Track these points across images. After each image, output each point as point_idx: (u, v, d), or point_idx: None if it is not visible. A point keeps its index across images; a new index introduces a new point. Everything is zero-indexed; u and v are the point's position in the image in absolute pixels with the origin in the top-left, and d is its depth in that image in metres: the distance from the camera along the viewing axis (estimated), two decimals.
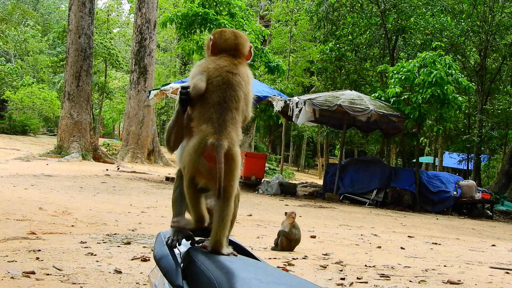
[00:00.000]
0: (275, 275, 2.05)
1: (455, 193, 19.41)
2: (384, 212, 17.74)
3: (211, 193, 2.58)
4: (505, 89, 30.20)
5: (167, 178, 21.33)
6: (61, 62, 44.67)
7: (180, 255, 2.52)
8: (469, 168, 32.50)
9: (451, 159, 39.80)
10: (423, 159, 43.56)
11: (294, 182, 26.75)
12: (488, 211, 20.40)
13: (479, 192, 20.15)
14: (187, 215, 2.73)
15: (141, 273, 5.80)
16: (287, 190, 20.56)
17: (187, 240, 2.64)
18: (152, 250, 7.08)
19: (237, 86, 2.57)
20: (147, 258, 6.48)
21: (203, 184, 2.54)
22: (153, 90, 22.94)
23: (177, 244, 2.58)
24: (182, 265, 2.33)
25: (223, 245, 2.52)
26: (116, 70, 56.08)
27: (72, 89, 27.82)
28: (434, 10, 26.05)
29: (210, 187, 2.54)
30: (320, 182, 28.83)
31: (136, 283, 5.38)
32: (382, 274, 6.84)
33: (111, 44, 44.96)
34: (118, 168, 24.60)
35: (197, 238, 2.69)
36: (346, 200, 20.09)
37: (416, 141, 22.00)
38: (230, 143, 2.44)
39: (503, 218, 20.67)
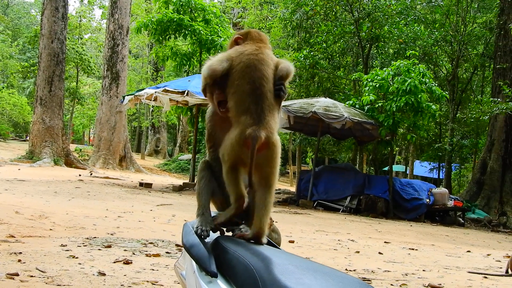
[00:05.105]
0: (306, 262, 2.07)
1: (427, 200, 19.54)
2: (358, 218, 17.83)
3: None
4: (476, 99, 30.64)
5: (141, 184, 21.23)
6: (32, 67, 44.22)
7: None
8: (440, 177, 32.79)
9: (421, 168, 40.10)
10: (395, 168, 43.79)
11: None
12: (460, 219, 20.62)
13: (451, 200, 20.34)
14: (212, 207, 2.74)
15: (124, 275, 5.76)
16: None
17: (213, 231, 2.64)
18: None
19: (261, 64, 2.57)
20: (129, 261, 6.44)
21: (245, 172, 2.53)
22: (127, 95, 22.77)
23: (207, 234, 2.56)
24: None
25: (265, 233, 2.50)
26: (87, 76, 55.68)
27: (44, 94, 27.54)
28: (408, 19, 26.34)
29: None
30: (292, 189, 28.93)
31: (121, 285, 5.34)
32: (363, 278, 6.88)
33: (83, 50, 44.61)
34: (91, 174, 24.43)
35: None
36: (320, 207, 20.14)
37: (389, 149, 22.11)
38: (269, 132, 2.45)
39: (474, 226, 20.89)
